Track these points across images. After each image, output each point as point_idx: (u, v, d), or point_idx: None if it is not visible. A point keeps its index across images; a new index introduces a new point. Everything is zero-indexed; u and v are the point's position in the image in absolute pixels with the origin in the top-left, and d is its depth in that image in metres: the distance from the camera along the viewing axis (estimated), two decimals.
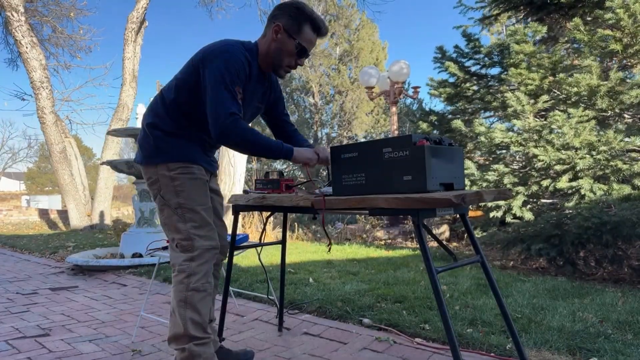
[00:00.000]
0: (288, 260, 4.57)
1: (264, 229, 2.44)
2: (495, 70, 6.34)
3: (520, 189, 4.80)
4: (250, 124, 2.00)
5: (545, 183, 4.65)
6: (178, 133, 1.82)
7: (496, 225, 5.18)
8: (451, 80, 6.57)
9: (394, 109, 8.26)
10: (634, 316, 2.47)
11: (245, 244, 2.51)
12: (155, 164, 1.81)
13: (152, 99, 1.96)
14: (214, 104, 1.67)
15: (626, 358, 1.94)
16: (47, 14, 11.61)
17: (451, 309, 2.71)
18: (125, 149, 32.08)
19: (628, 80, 4.71)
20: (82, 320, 2.89)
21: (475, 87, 6.43)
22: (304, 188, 2.05)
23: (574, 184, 4.41)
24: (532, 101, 5.03)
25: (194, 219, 1.78)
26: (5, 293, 3.73)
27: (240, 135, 1.67)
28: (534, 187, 4.75)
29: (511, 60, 5.35)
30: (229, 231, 2.19)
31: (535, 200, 5.00)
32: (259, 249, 2.53)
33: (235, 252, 2.24)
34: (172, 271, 1.80)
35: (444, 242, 2.38)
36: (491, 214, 4.96)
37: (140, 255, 4.76)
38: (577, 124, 4.51)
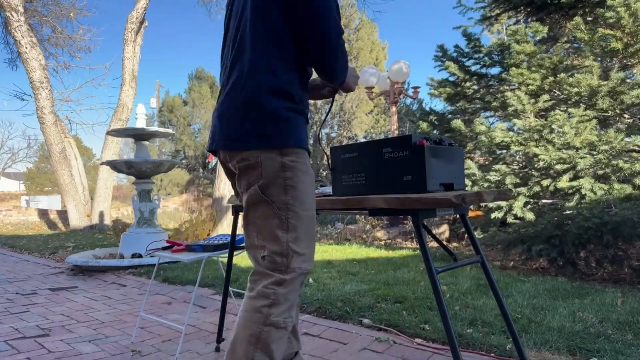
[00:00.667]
0: None
1: None
2: (495, 70, 6.34)
3: (522, 189, 4.79)
4: None
5: (545, 183, 4.64)
6: (300, 105, 1.37)
7: (496, 226, 5.17)
8: (451, 79, 6.57)
9: (393, 108, 8.25)
10: (634, 316, 2.47)
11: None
12: (262, 145, 1.32)
13: (251, 42, 1.35)
14: (327, 17, 1.29)
15: (626, 358, 1.93)
16: (47, 14, 11.61)
17: (451, 309, 2.71)
18: (125, 149, 32.04)
19: (628, 80, 4.71)
20: (82, 320, 2.88)
21: (475, 87, 6.43)
22: (319, 187, 2.03)
23: (574, 183, 4.40)
24: (532, 101, 5.03)
25: (298, 229, 1.33)
26: (4, 293, 3.73)
27: (345, 56, 1.39)
28: (536, 188, 4.75)
29: (512, 60, 5.35)
30: (228, 231, 2.18)
31: (536, 200, 4.99)
32: None
33: (235, 252, 2.23)
34: (248, 288, 1.37)
35: (444, 242, 2.37)
36: (492, 215, 4.96)
37: (140, 256, 4.76)
38: (578, 123, 4.50)
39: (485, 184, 5.04)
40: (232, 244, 2.20)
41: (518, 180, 4.93)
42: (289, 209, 1.32)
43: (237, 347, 1.30)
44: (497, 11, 6.34)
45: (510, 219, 4.86)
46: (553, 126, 4.69)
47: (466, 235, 5.81)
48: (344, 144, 8.38)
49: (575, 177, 4.49)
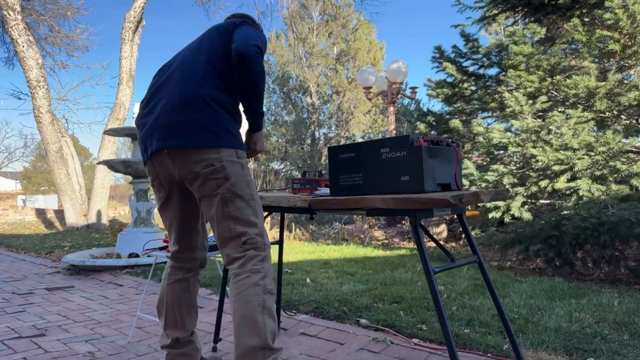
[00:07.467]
0: (285, 260, 4.57)
1: None
2: (493, 71, 6.34)
3: (519, 189, 4.80)
4: None
5: (543, 184, 4.65)
6: (238, 114, 1.66)
7: (494, 226, 5.18)
8: (449, 80, 6.57)
9: (391, 109, 8.26)
10: (630, 317, 2.47)
11: None
12: (219, 148, 1.57)
13: (193, 66, 1.64)
14: (247, 35, 1.60)
15: (622, 358, 1.94)
16: (44, 13, 11.56)
17: (448, 309, 2.71)
18: (122, 149, 32.02)
19: (626, 82, 4.72)
20: (78, 320, 2.87)
21: (473, 88, 6.43)
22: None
23: (572, 184, 4.41)
24: (530, 102, 5.04)
25: (259, 213, 1.65)
26: (0, 293, 3.71)
27: (261, 66, 1.58)
28: (533, 188, 4.75)
29: (510, 61, 5.36)
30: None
31: (533, 200, 5.00)
32: None
33: None
34: (233, 274, 1.57)
35: (442, 243, 2.38)
36: (490, 215, 4.96)
37: (137, 255, 4.74)
38: (576, 124, 4.51)
39: (483, 184, 5.05)
40: None
41: (516, 181, 4.93)
42: (254, 199, 1.64)
43: (250, 321, 1.47)
44: (495, 11, 6.34)
45: (507, 219, 4.86)
46: (551, 127, 4.70)
47: (464, 236, 5.82)
48: (341, 143, 8.38)
49: (573, 178, 4.49)
